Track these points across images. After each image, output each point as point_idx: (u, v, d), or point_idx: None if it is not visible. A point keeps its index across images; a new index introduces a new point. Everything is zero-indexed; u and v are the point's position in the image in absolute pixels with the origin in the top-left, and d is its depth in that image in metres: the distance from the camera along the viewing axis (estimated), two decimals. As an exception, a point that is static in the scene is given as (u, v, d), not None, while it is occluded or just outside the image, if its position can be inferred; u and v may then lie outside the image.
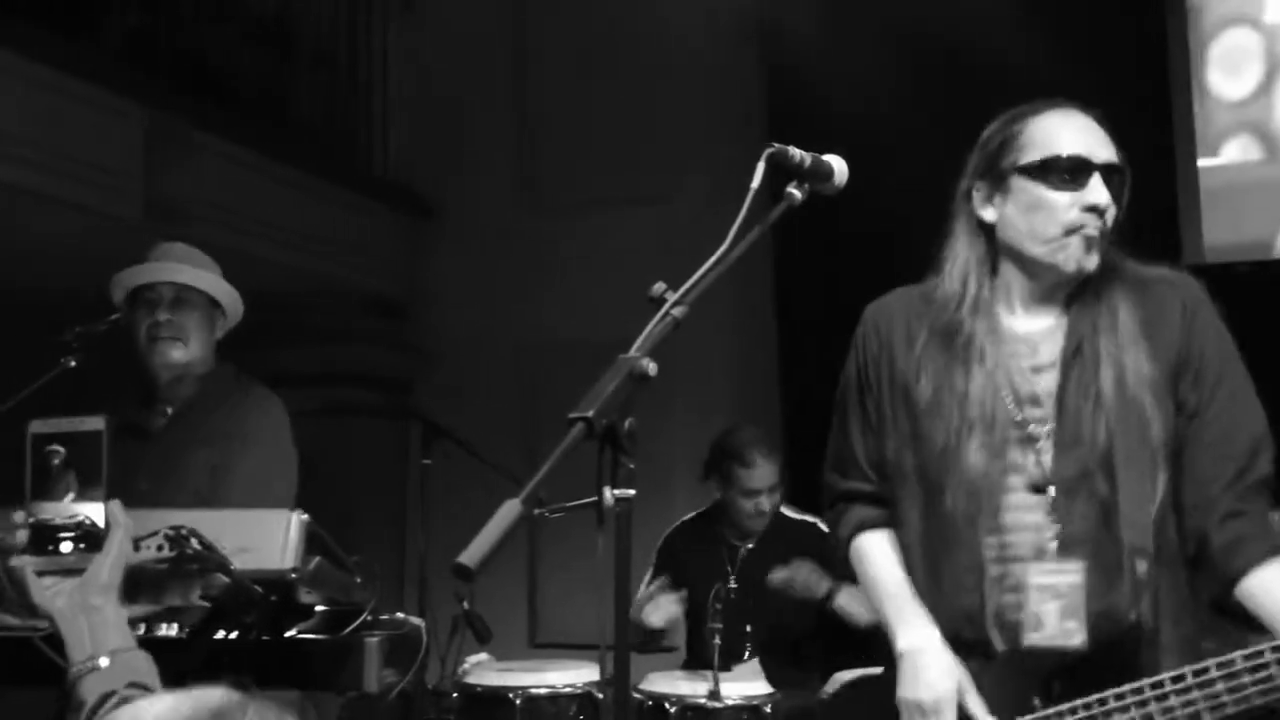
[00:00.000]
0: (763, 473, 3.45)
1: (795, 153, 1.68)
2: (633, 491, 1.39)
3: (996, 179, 1.75)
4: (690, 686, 3.12)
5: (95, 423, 1.43)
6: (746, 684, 3.14)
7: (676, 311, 1.47)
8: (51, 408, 1.59)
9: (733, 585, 3.49)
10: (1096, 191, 1.69)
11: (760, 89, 5.07)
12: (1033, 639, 1.64)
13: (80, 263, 3.26)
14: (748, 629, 3.43)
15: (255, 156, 4.64)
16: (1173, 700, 1.50)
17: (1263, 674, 1.46)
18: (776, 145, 1.65)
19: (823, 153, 1.69)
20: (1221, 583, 1.63)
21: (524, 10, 5.55)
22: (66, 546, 1.42)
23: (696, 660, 3.44)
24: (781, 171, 1.69)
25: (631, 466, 1.37)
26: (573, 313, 5.08)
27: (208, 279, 2.80)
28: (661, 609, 3.36)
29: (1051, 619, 1.63)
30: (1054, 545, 1.66)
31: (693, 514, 3.74)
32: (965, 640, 1.69)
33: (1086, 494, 1.66)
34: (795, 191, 1.67)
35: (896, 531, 1.81)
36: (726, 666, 3.17)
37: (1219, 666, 1.48)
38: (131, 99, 4.12)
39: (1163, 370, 1.68)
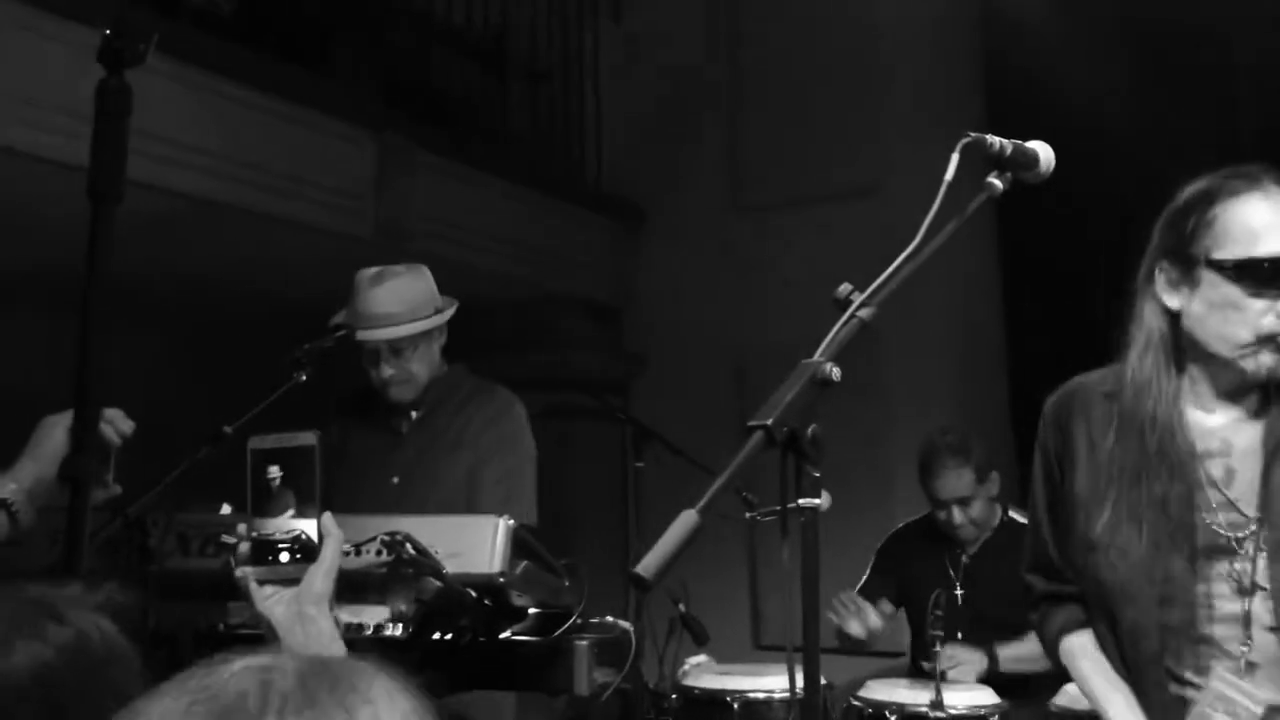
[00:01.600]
0: (947, 484, 3.34)
1: (994, 140, 1.61)
2: (820, 500, 1.36)
3: (1185, 265, 1.61)
4: (911, 695, 3.03)
5: (308, 438, 1.52)
6: (972, 693, 3.02)
7: (864, 313, 1.42)
8: (286, 421, 1.69)
9: (958, 592, 3.39)
10: None
11: (976, 79, 4.90)
12: None
13: (316, 281, 3.46)
14: (968, 636, 3.31)
15: (475, 172, 4.83)
16: None
17: None
18: (973, 134, 1.59)
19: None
20: None
21: (734, 9, 5.55)
22: (284, 557, 1.51)
23: (919, 668, 3.35)
24: (983, 161, 1.63)
25: (816, 475, 1.34)
26: (783, 312, 5.03)
27: (419, 325, 2.85)
28: (860, 619, 3.29)
29: None
30: (1265, 658, 1.56)
31: (917, 517, 3.65)
32: None
33: None
34: (996, 181, 1.61)
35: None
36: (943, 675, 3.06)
37: None
38: (362, 126, 4.35)
39: None
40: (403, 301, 2.85)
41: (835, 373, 1.34)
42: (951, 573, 3.42)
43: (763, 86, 5.39)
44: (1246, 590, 1.57)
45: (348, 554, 1.66)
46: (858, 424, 4.87)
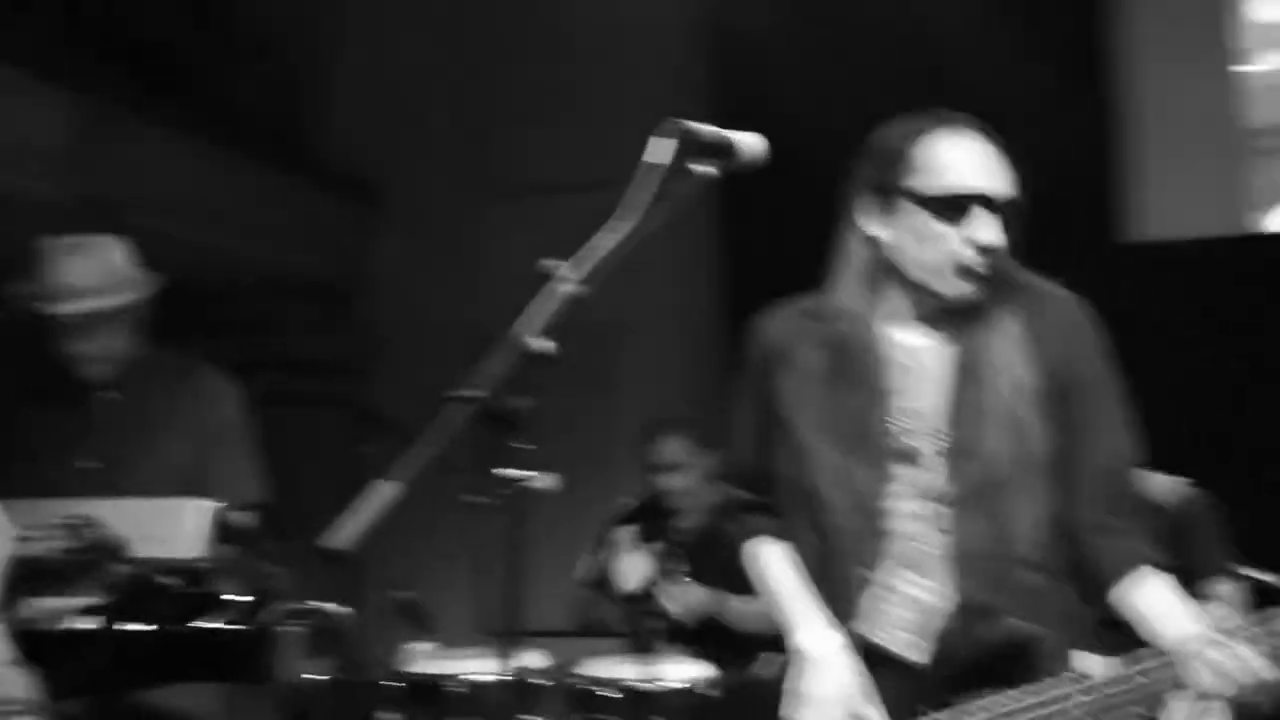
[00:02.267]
0: (667, 448, 3.50)
1: (703, 129, 1.67)
2: (539, 479, 1.37)
3: (885, 195, 1.73)
4: (629, 670, 3.10)
5: None
6: (688, 666, 3.12)
7: (575, 290, 1.44)
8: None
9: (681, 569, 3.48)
10: (988, 230, 1.67)
11: (707, 73, 5.04)
12: (905, 653, 1.68)
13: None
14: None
15: (194, 143, 4.57)
16: (1055, 700, 1.56)
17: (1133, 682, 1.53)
18: (682, 121, 1.63)
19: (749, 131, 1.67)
20: (1099, 592, 1.67)
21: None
22: None
23: (639, 644, 3.42)
24: (695, 149, 1.67)
25: (527, 448, 1.35)
26: (522, 299, 5.03)
27: (116, 300, 2.69)
28: (637, 569, 3.35)
29: (919, 633, 1.67)
30: (937, 561, 1.68)
31: (642, 498, 3.73)
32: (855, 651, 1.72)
33: (975, 509, 1.67)
34: (708, 168, 1.65)
35: (791, 543, 1.83)
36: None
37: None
38: (64, 84, 4.04)
39: (1044, 386, 1.69)
40: (99, 274, 2.67)
41: (545, 346, 1.35)
42: (681, 572, 3.49)
43: (508, 75, 5.36)
44: (928, 495, 1.69)
45: (25, 540, 1.54)
46: (584, 413, 4.96)
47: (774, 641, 2.82)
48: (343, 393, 5.21)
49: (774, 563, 1.83)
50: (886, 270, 1.75)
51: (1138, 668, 1.55)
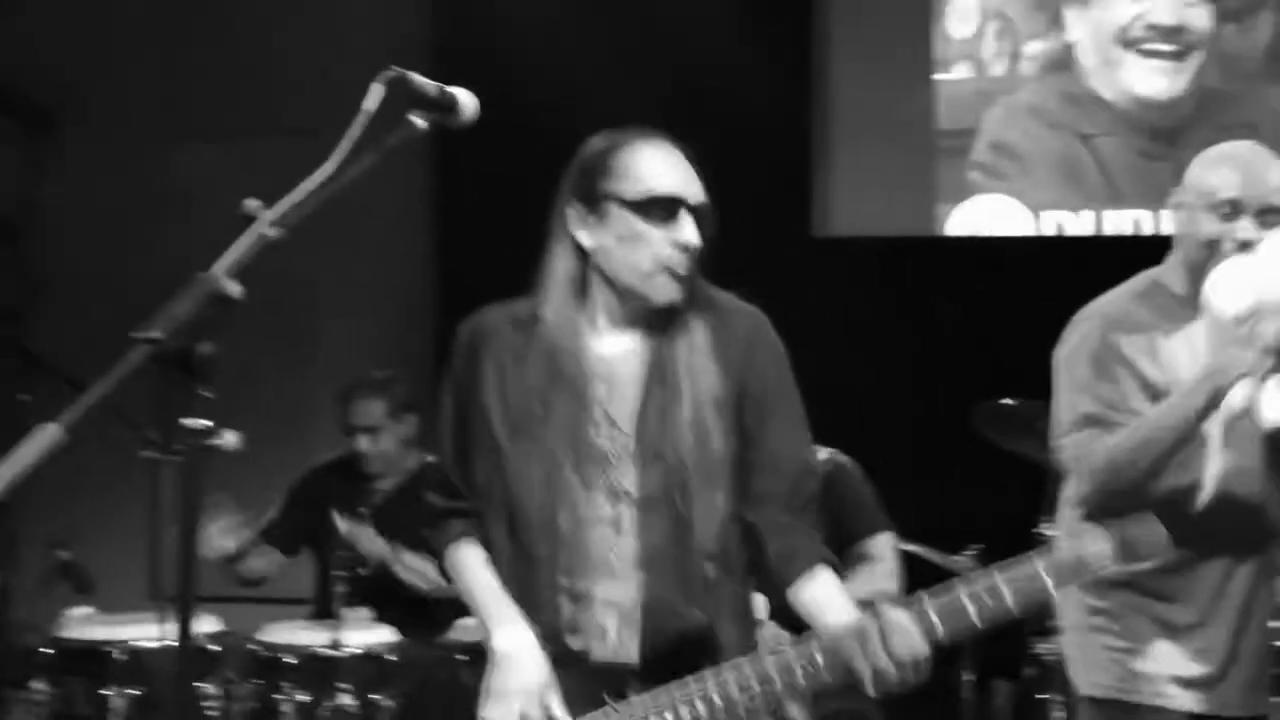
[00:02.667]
0: (358, 410, 3.44)
1: (418, 80, 1.62)
2: (225, 437, 1.28)
3: (593, 203, 1.81)
4: (310, 636, 3.01)
5: None
6: (371, 632, 3.06)
7: (271, 232, 1.36)
8: None
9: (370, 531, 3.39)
10: (688, 230, 1.77)
11: (433, 27, 4.92)
12: (597, 652, 1.75)
13: None
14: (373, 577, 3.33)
15: None
16: (730, 680, 1.68)
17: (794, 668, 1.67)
18: (396, 69, 1.58)
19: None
20: (778, 591, 1.79)
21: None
22: None
23: (323, 610, 3.33)
24: (406, 99, 1.63)
25: (211, 401, 1.26)
26: (208, 246, 4.73)
27: None
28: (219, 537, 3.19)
29: (612, 632, 1.74)
30: (626, 559, 1.76)
31: (335, 456, 3.63)
32: (549, 654, 1.76)
33: (664, 509, 1.76)
34: (417, 120, 1.61)
35: (489, 549, 1.86)
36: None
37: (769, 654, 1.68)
38: None
39: (728, 393, 1.79)
40: None
41: (234, 288, 1.27)
42: (366, 512, 3.41)
43: (222, 19, 5.00)
44: (620, 498, 1.77)
45: None
46: (284, 369, 4.76)
47: (450, 604, 2.82)
48: (2, 336, 4.75)
49: (472, 565, 1.85)
50: (594, 278, 1.82)
51: (802, 652, 1.66)
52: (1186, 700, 2.21)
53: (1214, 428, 2.19)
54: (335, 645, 2.96)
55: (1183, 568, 2.20)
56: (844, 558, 2.92)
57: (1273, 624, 2.39)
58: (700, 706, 1.67)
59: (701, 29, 4.37)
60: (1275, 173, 2.22)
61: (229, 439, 1.29)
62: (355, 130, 1.48)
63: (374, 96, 1.52)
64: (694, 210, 1.79)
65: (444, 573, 1.91)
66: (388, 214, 4.58)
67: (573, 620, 1.75)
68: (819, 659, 1.65)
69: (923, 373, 4.35)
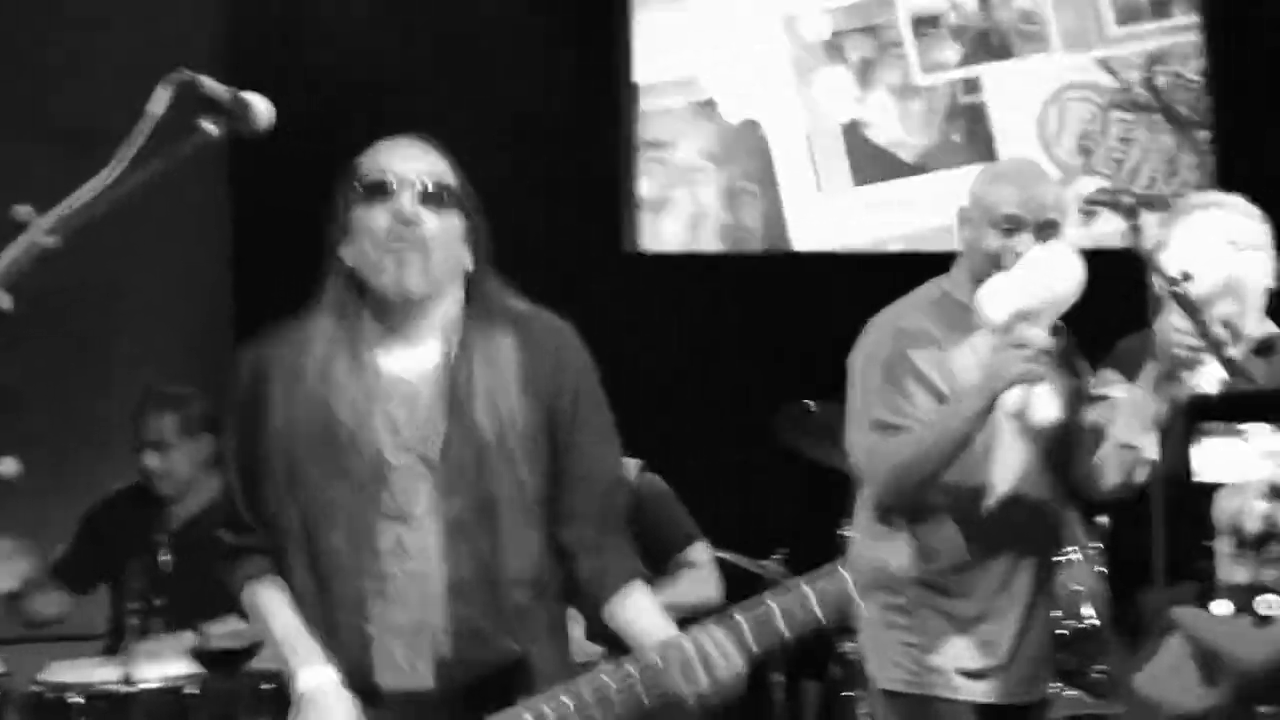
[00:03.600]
0: (149, 425, 3.29)
1: (209, 84, 1.56)
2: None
3: (343, 214, 1.78)
4: (100, 673, 2.84)
5: None
6: (167, 665, 2.91)
7: (46, 240, 1.29)
8: None
9: (164, 558, 3.22)
10: (403, 201, 1.72)
11: (220, 24, 4.73)
12: (395, 682, 1.70)
13: None
14: (172, 607, 3.17)
15: None
16: (546, 709, 1.64)
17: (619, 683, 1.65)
18: (186, 72, 1.53)
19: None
20: (592, 610, 1.78)
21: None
22: None
23: (117, 644, 3.15)
24: (197, 104, 1.57)
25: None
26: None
27: None
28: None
29: (406, 660, 1.69)
30: (432, 588, 1.71)
31: (132, 483, 3.43)
32: (354, 689, 1.71)
33: (466, 533, 1.71)
34: (209, 126, 1.55)
35: (287, 580, 1.79)
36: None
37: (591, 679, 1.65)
38: None
39: (535, 410, 1.75)
40: None
41: (4, 300, 1.21)
42: (162, 537, 3.24)
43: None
44: (419, 524, 1.71)
45: None
46: (71, 388, 4.48)
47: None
48: None
49: (270, 604, 1.78)
50: (359, 292, 1.77)
51: (618, 674, 1.64)
52: (974, 691, 2.33)
53: (1003, 430, 2.32)
54: (128, 681, 2.80)
55: (972, 565, 2.32)
56: (661, 570, 2.96)
57: (1053, 614, 2.55)
58: None
59: (509, 41, 4.37)
60: (1053, 190, 2.38)
61: (4, 466, 1.22)
62: (140, 135, 1.43)
63: (160, 100, 1.47)
64: (422, 188, 1.73)
65: (242, 613, 1.85)
66: (184, 222, 4.40)
67: (380, 652, 1.69)
68: (636, 682, 1.64)
69: (724, 383, 4.44)
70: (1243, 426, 2.12)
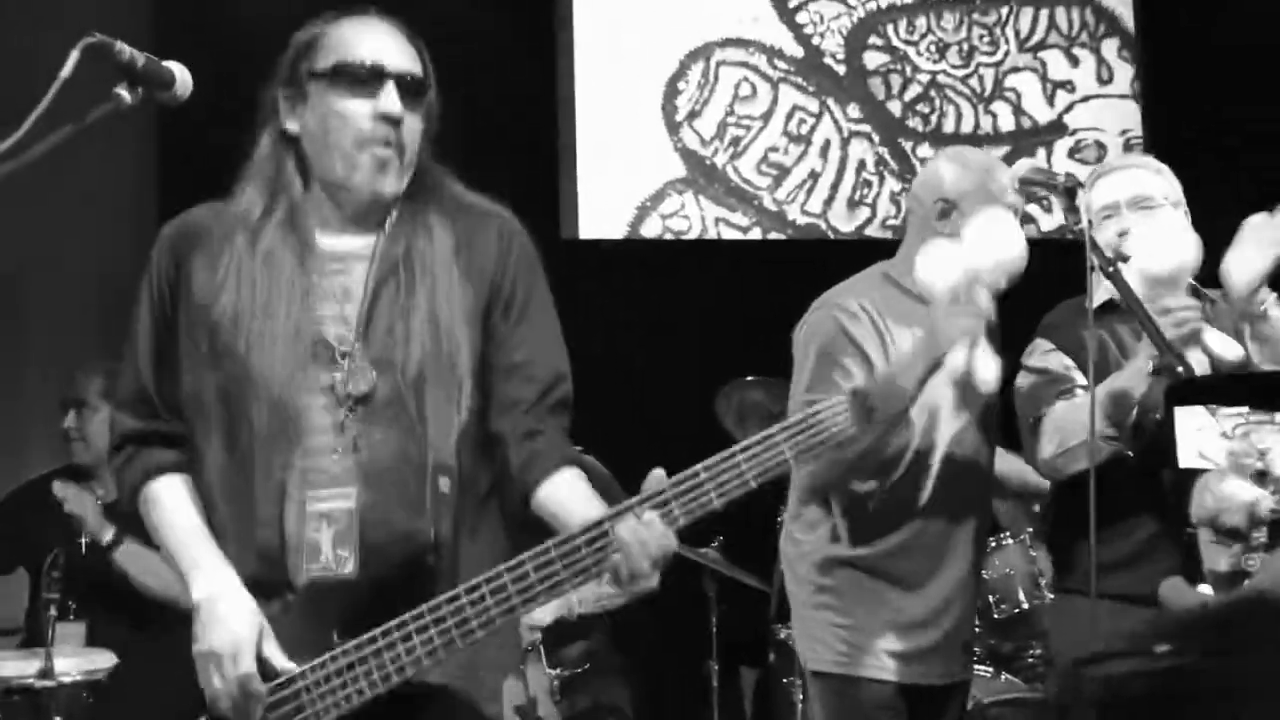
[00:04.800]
0: (78, 384, 3.21)
1: (124, 50, 1.50)
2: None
3: (296, 85, 1.69)
4: (17, 667, 2.75)
5: None
6: (82, 658, 2.82)
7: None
8: None
9: (82, 542, 3.12)
10: (388, 99, 1.64)
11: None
12: (311, 570, 1.59)
13: None
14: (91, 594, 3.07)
15: None
16: (467, 607, 1.52)
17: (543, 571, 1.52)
18: (99, 36, 1.46)
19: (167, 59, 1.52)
20: (521, 499, 1.67)
21: None
22: None
23: (35, 637, 3.05)
24: (116, 70, 1.50)
25: None
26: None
27: None
28: None
29: (326, 546, 1.59)
30: (348, 469, 1.62)
31: (47, 471, 3.33)
32: (266, 581, 1.61)
33: (391, 416, 1.62)
34: (124, 93, 1.49)
35: (195, 472, 1.69)
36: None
37: (508, 571, 1.52)
38: None
39: (475, 296, 1.68)
40: None
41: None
42: (76, 526, 3.13)
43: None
44: (341, 401, 1.63)
45: None
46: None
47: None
48: None
49: (171, 501, 1.68)
50: (303, 171, 1.69)
51: (535, 556, 1.52)
52: (902, 673, 2.34)
53: (945, 393, 2.31)
54: (46, 674, 2.71)
55: (907, 541, 2.33)
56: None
57: (991, 598, 2.54)
58: (433, 632, 1.52)
59: (447, 20, 4.28)
60: (999, 172, 2.39)
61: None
62: (46, 99, 1.36)
63: (70, 63, 1.40)
64: (403, 82, 1.66)
65: (137, 509, 1.71)
66: (104, 194, 4.26)
67: (299, 541, 1.59)
68: (557, 562, 1.51)
69: (662, 368, 4.42)
70: (1222, 410, 2.11)
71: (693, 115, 4.21)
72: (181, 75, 1.55)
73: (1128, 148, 4.57)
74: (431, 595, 1.55)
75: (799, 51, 3.99)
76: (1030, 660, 3.43)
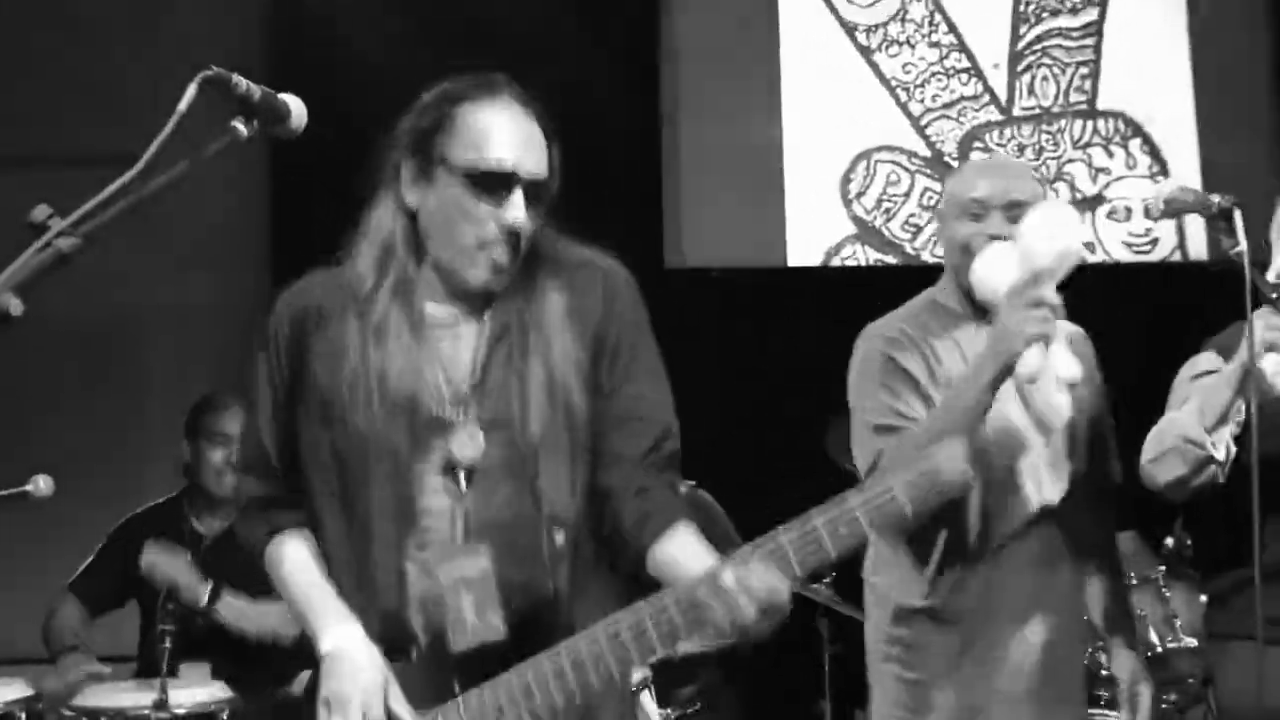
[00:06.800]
0: (217, 419, 3.25)
1: (241, 82, 1.49)
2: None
3: (424, 163, 1.69)
4: (133, 697, 2.77)
5: None
6: (200, 690, 2.84)
7: (64, 244, 1.22)
8: None
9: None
10: (516, 210, 1.64)
11: (262, 39, 4.70)
12: (458, 640, 1.60)
13: None
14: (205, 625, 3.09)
15: None
16: (583, 648, 1.54)
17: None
18: (216, 69, 1.46)
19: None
20: (636, 558, 1.65)
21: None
22: None
23: (149, 667, 3.08)
24: (232, 104, 1.50)
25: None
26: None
27: None
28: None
29: (469, 613, 1.60)
30: (468, 532, 1.63)
31: (160, 500, 3.38)
32: (390, 641, 1.63)
33: (507, 477, 1.64)
34: (240, 126, 1.48)
35: (316, 536, 1.72)
36: (176, 671, 2.86)
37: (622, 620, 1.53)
38: None
39: (585, 353, 1.68)
40: None
41: (15, 304, 1.14)
42: (190, 558, 3.16)
43: (21, 39, 4.66)
44: (457, 464, 1.64)
45: None
46: (105, 406, 4.43)
47: (288, 653, 2.62)
48: None
49: (294, 559, 1.72)
50: (417, 245, 1.70)
51: (655, 605, 1.52)
52: None
53: (1028, 438, 2.23)
54: (161, 706, 2.73)
55: (979, 589, 2.21)
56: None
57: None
58: (553, 683, 1.53)
59: (550, 42, 4.30)
60: (1019, 173, 2.34)
61: (40, 485, 1.15)
62: (166, 132, 1.35)
63: (188, 97, 1.40)
64: (529, 185, 1.65)
65: (264, 571, 1.75)
66: (219, 230, 4.35)
67: (422, 602, 1.61)
68: (674, 612, 1.51)
69: (773, 401, 4.33)
70: None
71: (860, 194, 5.14)
72: (297, 108, 1.54)
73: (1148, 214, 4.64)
74: (546, 645, 1.56)
75: (928, 153, 5.13)
76: (1164, 706, 3.26)
